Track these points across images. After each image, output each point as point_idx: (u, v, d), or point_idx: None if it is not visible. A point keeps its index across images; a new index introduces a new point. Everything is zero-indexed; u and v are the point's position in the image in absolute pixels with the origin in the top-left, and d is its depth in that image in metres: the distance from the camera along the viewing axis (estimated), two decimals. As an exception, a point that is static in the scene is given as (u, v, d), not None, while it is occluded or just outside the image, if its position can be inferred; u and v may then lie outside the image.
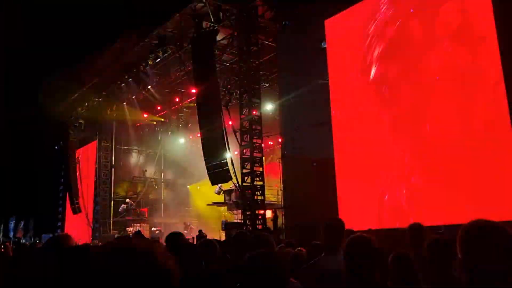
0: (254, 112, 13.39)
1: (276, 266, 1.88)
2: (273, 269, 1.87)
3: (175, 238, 4.14)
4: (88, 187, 23.93)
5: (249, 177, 13.02)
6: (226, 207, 19.38)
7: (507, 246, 1.51)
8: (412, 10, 10.39)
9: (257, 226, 12.63)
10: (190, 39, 14.66)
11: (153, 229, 20.59)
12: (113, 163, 23.24)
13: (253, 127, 13.33)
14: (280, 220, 14.54)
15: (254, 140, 13.28)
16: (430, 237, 3.07)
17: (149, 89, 19.26)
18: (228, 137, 13.32)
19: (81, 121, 22.49)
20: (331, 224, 3.18)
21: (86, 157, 24.66)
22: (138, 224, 21.60)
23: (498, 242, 1.52)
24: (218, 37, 14.32)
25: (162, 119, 23.26)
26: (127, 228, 21.27)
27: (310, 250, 4.01)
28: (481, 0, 9.11)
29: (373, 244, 2.19)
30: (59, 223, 24.52)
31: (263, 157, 13.73)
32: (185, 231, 19.59)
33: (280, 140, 14.58)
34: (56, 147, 24.40)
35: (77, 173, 23.87)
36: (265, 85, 17.11)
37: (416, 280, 2.67)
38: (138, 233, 6.12)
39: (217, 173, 13.06)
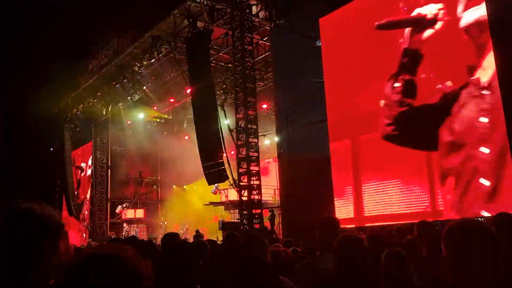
0: (249, 111, 13.39)
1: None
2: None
3: (171, 239, 4.16)
4: (84, 188, 23.87)
5: (246, 176, 13.02)
6: (223, 207, 19.39)
7: (490, 244, 1.52)
8: (405, 8, 10.41)
9: (254, 226, 12.64)
10: (185, 39, 14.65)
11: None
12: (109, 164, 23.16)
13: (249, 126, 13.32)
14: (277, 219, 14.55)
15: (250, 140, 13.27)
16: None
17: (144, 89, 19.23)
18: (224, 137, 13.32)
19: (76, 122, 22.40)
20: (326, 222, 3.15)
21: (82, 158, 24.58)
22: (135, 225, 21.56)
23: (482, 241, 1.53)
24: (213, 37, 14.30)
25: (158, 119, 23.22)
26: (123, 229, 21.22)
27: (304, 249, 4.02)
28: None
29: (362, 243, 2.19)
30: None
31: (259, 156, 13.73)
32: (182, 231, 19.59)
33: (276, 139, 14.58)
34: (51, 149, 24.29)
35: (73, 175, 23.78)
36: (260, 84, 17.11)
37: (410, 279, 2.66)
38: (132, 237, 6.08)
39: (214, 173, 13.07)
